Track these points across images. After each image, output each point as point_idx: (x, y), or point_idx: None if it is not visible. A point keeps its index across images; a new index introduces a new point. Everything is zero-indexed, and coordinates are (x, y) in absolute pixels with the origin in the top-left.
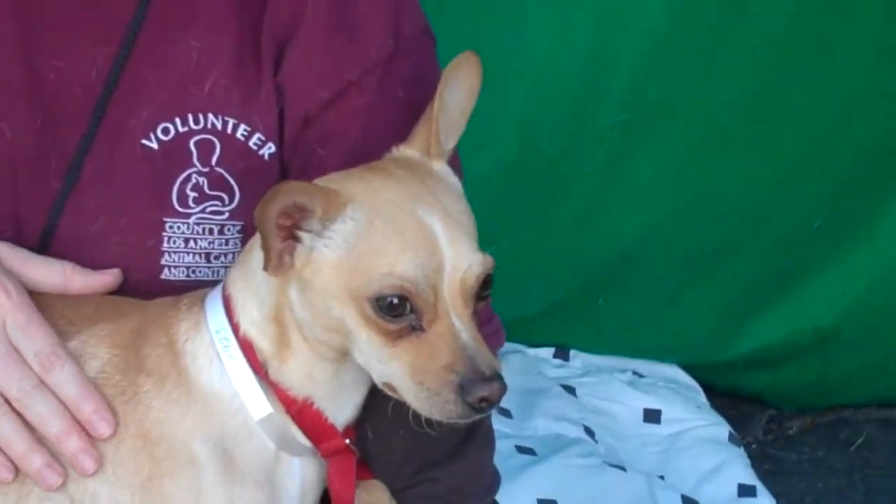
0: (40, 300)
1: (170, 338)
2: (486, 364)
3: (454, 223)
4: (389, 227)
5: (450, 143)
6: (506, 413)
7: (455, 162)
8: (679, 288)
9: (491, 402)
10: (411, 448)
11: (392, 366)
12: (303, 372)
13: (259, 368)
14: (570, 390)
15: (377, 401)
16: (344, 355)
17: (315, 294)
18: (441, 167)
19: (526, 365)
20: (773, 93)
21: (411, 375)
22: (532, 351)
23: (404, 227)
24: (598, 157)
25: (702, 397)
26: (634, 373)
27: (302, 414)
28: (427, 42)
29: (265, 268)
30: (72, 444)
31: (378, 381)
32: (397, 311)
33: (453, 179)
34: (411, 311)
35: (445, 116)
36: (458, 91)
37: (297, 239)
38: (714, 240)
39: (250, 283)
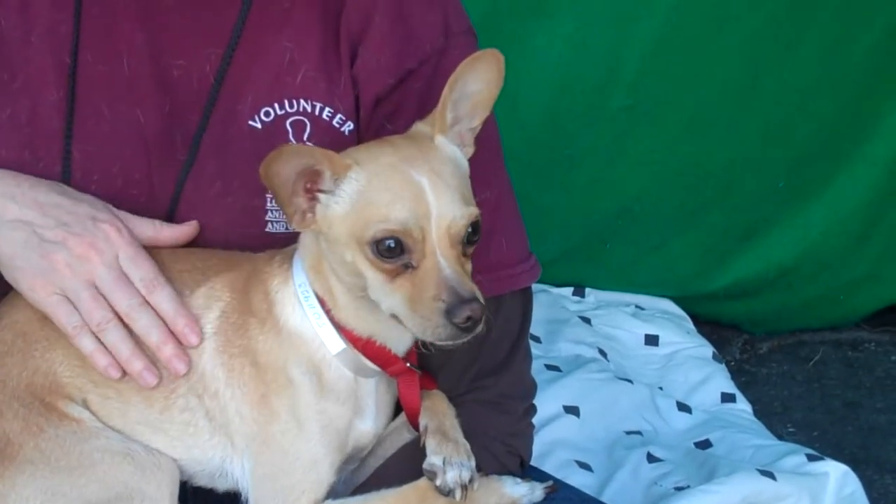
0: (179, 255)
1: (266, 288)
2: (466, 290)
3: (440, 181)
4: (383, 184)
5: (473, 124)
6: (536, 339)
7: (491, 138)
8: (670, 236)
9: (475, 320)
10: (467, 361)
11: (393, 298)
12: (350, 312)
13: (330, 313)
14: (587, 320)
15: None
16: (368, 295)
17: (333, 244)
18: (440, 140)
19: (550, 301)
20: (746, 83)
21: (407, 305)
22: (555, 290)
23: (396, 183)
24: (608, 134)
25: (690, 324)
26: (636, 306)
27: (367, 348)
28: (470, 39)
29: (289, 222)
30: (168, 350)
31: (386, 312)
32: (392, 252)
33: (450, 148)
34: (403, 252)
35: (462, 102)
36: (478, 82)
37: (316, 199)
38: (698, 197)
39: (303, 244)
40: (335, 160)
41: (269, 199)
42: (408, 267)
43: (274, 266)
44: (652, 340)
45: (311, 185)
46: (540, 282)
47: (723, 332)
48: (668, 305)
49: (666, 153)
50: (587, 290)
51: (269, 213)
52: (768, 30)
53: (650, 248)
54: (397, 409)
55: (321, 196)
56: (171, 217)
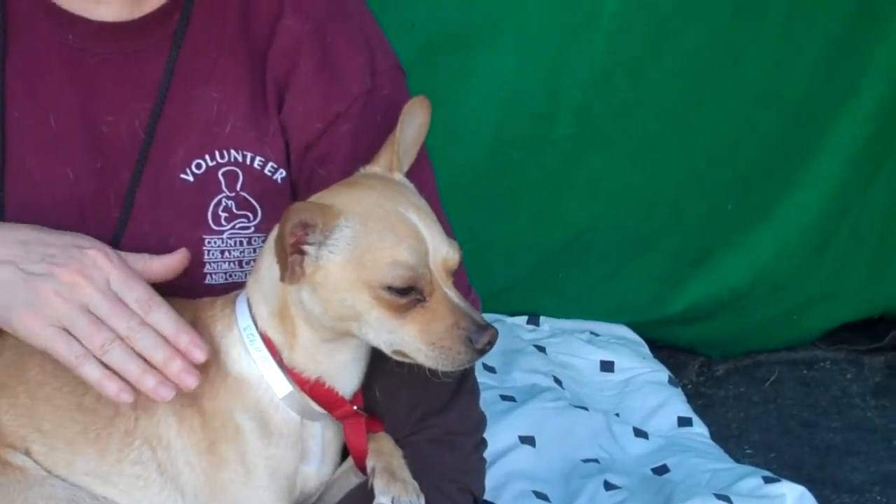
0: None
1: (210, 333)
2: (479, 316)
3: (424, 214)
4: (381, 225)
5: (405, 165)
6: (491, 369)
7: (425, 171)
8: (622, 262)
9: (492, 344)
10: (412, 402)
11: (402, 334)
12: (308, 354)
13: (277, 356)
14: (541, 349)
15: (382, 366)
16: (342, 336)
17: (328, 291)
18: (400, 178)
19: (505, 330)
20: (690, 106)
21: (422, 339)
22: (510, 319)
23: (392, 222)
24: (553, 162)
25: (646, 349)
26: (591, 332)
27: (315, 390)
28: (398, 75)
29: (281, 279)
30: (175, 367)
31: (388, 349)
32: (406, 290)
33: (409, 184)
34: (414, 289)
35: (402, 143)
36: (412, 126)
37: (302, 252)
38: (648, 223)
39: (260, 288)
40: (327, 211)
41: (206, 253)
42: (419, 301)
43: (216, 310)
44: (607, 366)
45: (295, 238)
46: (494, 311)
47: (679, 355)
48: (624, 331)
49: (614, 180)
50: (542, 318)
51: (208, 266)
52: (709, 47)
53: (603, 276)
54: (344, 454)
55: (308, 248)
56: None
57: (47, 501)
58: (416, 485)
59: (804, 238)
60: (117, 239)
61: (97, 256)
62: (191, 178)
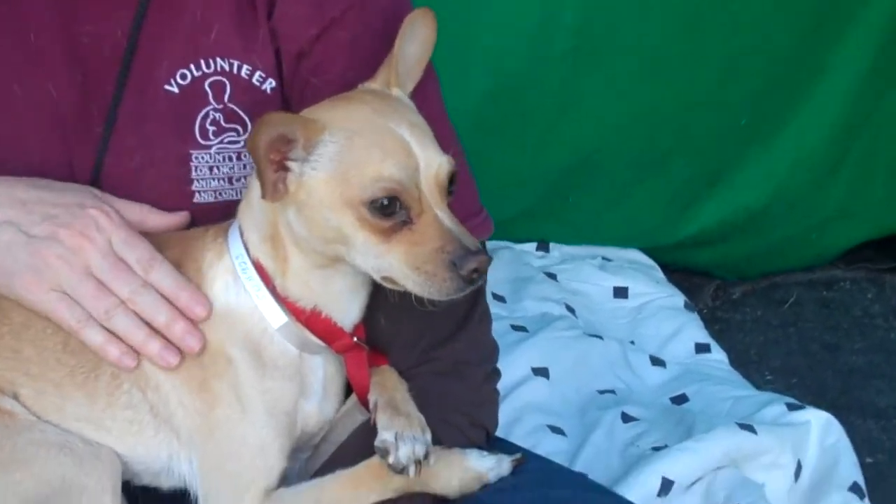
0: None
1: (198, 265)
2: (471, 241)
3: (419, 131)
4: (368, 140)
5: (409, 86)
6: (500, 298)
7: (430, 86)
8: (633, 184)
9: (481, 272)
10: (418, 330)
11: (389, 258)
12: (301, 282)
13: (271, 285)
14: (552, 276)
15: (385, 293)
16: (333, 262)
17: (312, 210)
18: (398, 93)
19: (513, 258)
20: (696, 17)
21: (407, 263)
22: (518, 246)
23: (380, 138)
24: (554, 80)
25: (660, 274)
26: (603, 258)
27: (312, 321)
28: None
29: (263, 196)
30: (178, 329)
31: (377, 276)
32: (389, 209)
33: (409, 101)
34: (401, 208)
35: (403, 62)
36: (414, 42)
37: (286, 169)
38: (659, 142)
39: (251, 212)
40: (308, 125)
41: (193, 168)
42: (405, 223)
43: (207, 241)
44: (621, 293)
45: (279, 155)
46: (502, 238)
47: (693, 279)
48: (637, 255)
49: (619, 98)
50: (551, 244)
51: (196, 183)
52: None
53: (613, 200)
54: (349, 393)
55: (292, 165)
56: None
57: (37, 448)
58: (421, 418)
59: (819, 153)
60: (101, 155)
61: (99, 216)
62: (176, 90)
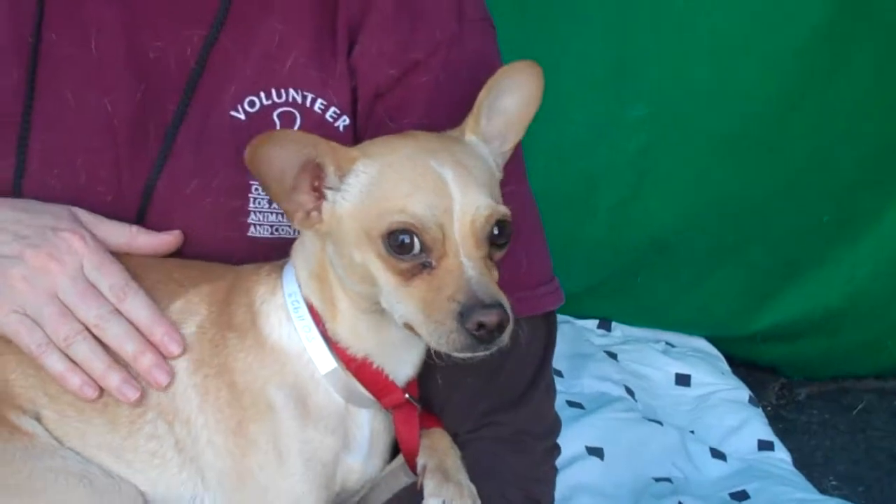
0: (154, 264)
1: (250, 299)
2: (486, 293)
3: (466, 173)
4: (399, 175)
5: (508, 143)
6: (558, 373)
7: (518, 165)
8: (705, 272)
9: (489, 329)
10: (478, 394)
11: (407, 303)
12: (349, 326)
13: (322, 328)
14: (613, 356)
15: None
16: (377, 306)
17: (341, 244)
18: (472, 138)
19: (574, 333)
20: (785, 106)
21: (422, 309)
22: (579, 322)
23: (414, 174)
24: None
25: (725, 365)
26: (667, 343)
27: (362, 370)
28: (488, 28)
29: (290, 221)
30: (146, 360)
31: (399, 321)
32: (407, 249)
33: (482, 148)
34: (422, 250)
35: (494, 116)
36: (515, 95)
37: (323, 197)
38: (735, 231)
39: (303, 248)
40: (338, 151)
41: (252, 200)
42: (426, 266)
43: (262, 275)
44: (683, 380)
45: (317, 181)
46: (563, 313)
47: (758, 374)
48: (702, 344)
49: (697, 180)
50: (613, 323)
51: (252, 216)
52: (810, 47)
53: (683, 286)
54: (396, 452)
55: (328, 193)
56: (141, 218)
57: (56, 475)
58: (472, 489)
59: None
60: (154, 178)
61: (72, 239)
62: (242, 117)
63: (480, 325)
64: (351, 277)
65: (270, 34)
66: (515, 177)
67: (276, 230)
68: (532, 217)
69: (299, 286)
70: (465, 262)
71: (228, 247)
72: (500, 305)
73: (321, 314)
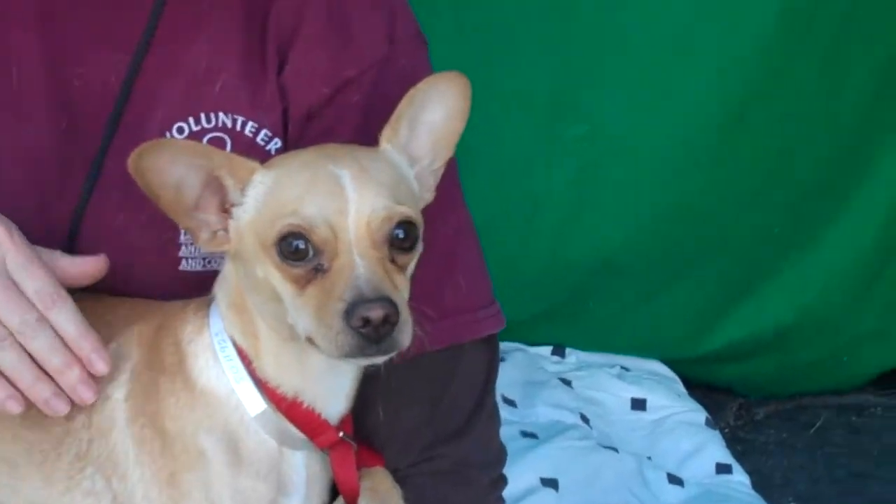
0: (84, 305)
1: (177, 339)
2: (371, 288)
3: (366, 174)
4: (294, 181)
5: (435, 164)
6: (510, 402)
7: (447, 165)
8: (656, 292)
9: (374, 324)
10: (420, 425)
11: (303, 312)
12: (274, 360)
13: (250, 367)
14: (567, 382)
15: (388, 383)
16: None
17: (246, 261)
18: (386, 147)
19: (527, 361)
20: (731, 115)
21: (314, 315)
22: (532, 349)
23: (310, 177)
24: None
25: (681, 387)
26: (621, 367)
27: (292, 410)
28: (420, 45)
29: (194, 241)
30: (73, 376)
31: (303, 336)
32: (301, 255)
33: (396, 157)
34: (314, 254)
35: (420, 130)
36: (440, 110)
37: (230, 215)
38: (686, 247)
39: (224, 280)
40: (235, 162)
41: (182, 232)
42: (318, 271)
43: (188, 313)
44: (639, 405)
45: (223, 198)
46: (516, 340)
47: (715, 395)
48: (657, 366)
49: (642, 196)
50: (567, 349)
51: (183, 248)
52: (757, 54)
53: (635, 307)
54: (335, 493)
55: (234, 210)
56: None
57: None
58: None
59: (855, 269)
60: (80, 211)
61: None
62: None
63: (366, 322)
64: (259, 297)
65: (198, 56)
66: (451, 199)
67: (209, 263)
68: (469, 240)
69: (225, 321)
70: (358, 261)
71: (159, 281)
72: (384, 299)
73: (246, 351)
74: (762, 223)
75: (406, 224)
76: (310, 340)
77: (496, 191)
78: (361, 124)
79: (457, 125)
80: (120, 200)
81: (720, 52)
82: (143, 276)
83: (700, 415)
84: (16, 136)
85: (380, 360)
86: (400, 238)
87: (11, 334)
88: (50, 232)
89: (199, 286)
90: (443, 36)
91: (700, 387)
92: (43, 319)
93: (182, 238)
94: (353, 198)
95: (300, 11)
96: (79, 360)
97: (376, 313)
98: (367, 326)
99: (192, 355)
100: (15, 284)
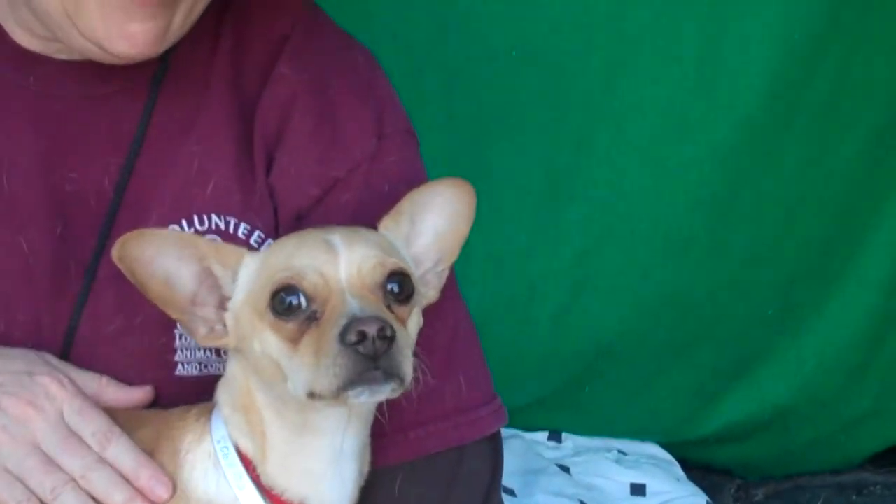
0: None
1: (175, 448)
2: (364, 311)
3: (357, 235)
4: (282, 247)
5: (439, 267)
6: (510, 492)
7: (450, 283)
8: (653, 375)
9: (370, 338)
10: None
11: (301, 364)
12: (281, 462)
13: (254, 474)
14: (565, 469)
15: (390, 490)
16: (301, 413)
17: (246, 343)
18: (382, 232)
19: (524, 448)
20: (723, 198)
21: (312, 359)
22: (529, 435)
23: (297, 242)
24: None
25: (679, 471)
26: (619, 451)
27: None
28: (409, 141)
29: (192, 335)
30: None
31: (304, 395)
32: (293, 310)
33: (389, 237)
34: (308, 304)
35: (422, 233)
36: (444, 212)
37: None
38: (680, 330)
39: (227, 383)
40: (222, 249)
41: (178, 337)
42: (312, 320)
43: (189, 420)
44: (638, 490)
45: (220, 296)
46: (512, 427)
47: (713, 477)
48: (655, 450)
49: (638, 281)
50: (564, 434)
51: (179, 353)
52: (747, 135)
53: (632, 391)
54: None
55: (229, 303)
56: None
57: None
58: None
59: (850, 348)
60: (76, 317)
61: (50, 384)
62: None
63: (362, 336)
64: (262, 376)
65: (189, 157)
66: (448, 293)
67: (206, 367)
68: (468, 335)
69: (229, 426)
70: (350, 298)
71: (156, 388)
72: (379, 317)
73: (251, 456)
74: (756, 305)
75: (399, 276)
76: (311, 395)
77: (494, 277)
78: (353, 224)
79: (462, 229)
80: (114, 306)
81: (711, 135)
82: (140, 382)
83: (700, 499)
84: (11, 242)
85: (384, 389)
86: (395, 292)
87: (73, 479)
88: (44, 340)
89: (196, 391)
90: (434, 125)
91: (698, 468)
92: (101, 460)
93: (177, 343)
94: (343, 252)
95: (286, 109)
96: (139, 494)
97: (371, 327)
98: (364, 341)
99: (190, 465)
100: (73, 432)
